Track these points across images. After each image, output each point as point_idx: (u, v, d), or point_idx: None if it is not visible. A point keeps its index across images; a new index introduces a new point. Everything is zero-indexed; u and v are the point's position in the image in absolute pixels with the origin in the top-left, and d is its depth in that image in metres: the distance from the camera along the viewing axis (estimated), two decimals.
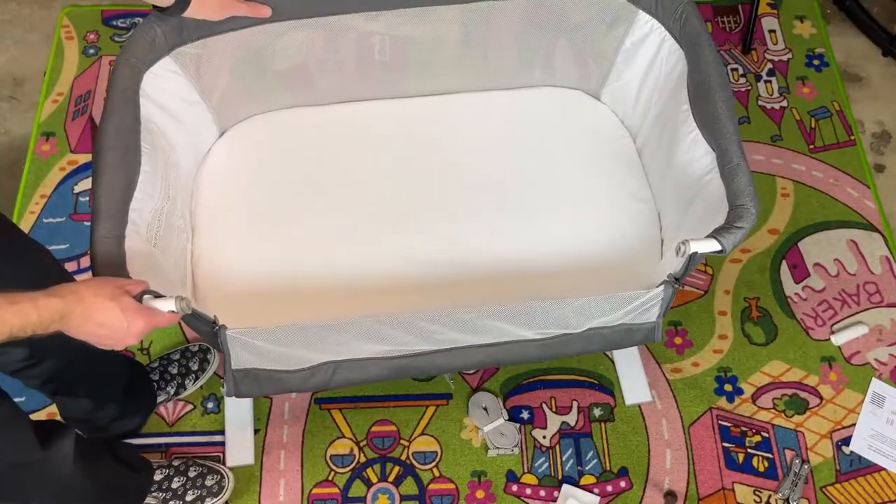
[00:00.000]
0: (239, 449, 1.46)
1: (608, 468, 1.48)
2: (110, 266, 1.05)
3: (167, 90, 1.31)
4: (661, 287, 1.15)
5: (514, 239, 1.41)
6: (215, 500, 1.38)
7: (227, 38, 1.31)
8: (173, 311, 0.98)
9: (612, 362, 1.57)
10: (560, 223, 1.43)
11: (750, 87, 1.91)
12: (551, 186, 1.47)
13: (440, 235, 1.41)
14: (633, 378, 1.54)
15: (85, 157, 1.77)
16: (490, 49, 1.46)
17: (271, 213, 1.44)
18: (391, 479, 1.47)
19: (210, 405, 1.52)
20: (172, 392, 1.49)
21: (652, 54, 1.39)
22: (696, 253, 1.06)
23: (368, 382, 1.24)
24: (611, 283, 1.30)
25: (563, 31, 1.43)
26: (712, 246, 1.05)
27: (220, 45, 1.32)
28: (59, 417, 1.49)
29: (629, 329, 1.24)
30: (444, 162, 1.49)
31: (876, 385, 1.57)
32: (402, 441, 1.50)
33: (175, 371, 1.49)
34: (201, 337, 1.52)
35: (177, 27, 1.26)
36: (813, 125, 1.87)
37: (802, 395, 1.56)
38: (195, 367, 1.51)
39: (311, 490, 1.45)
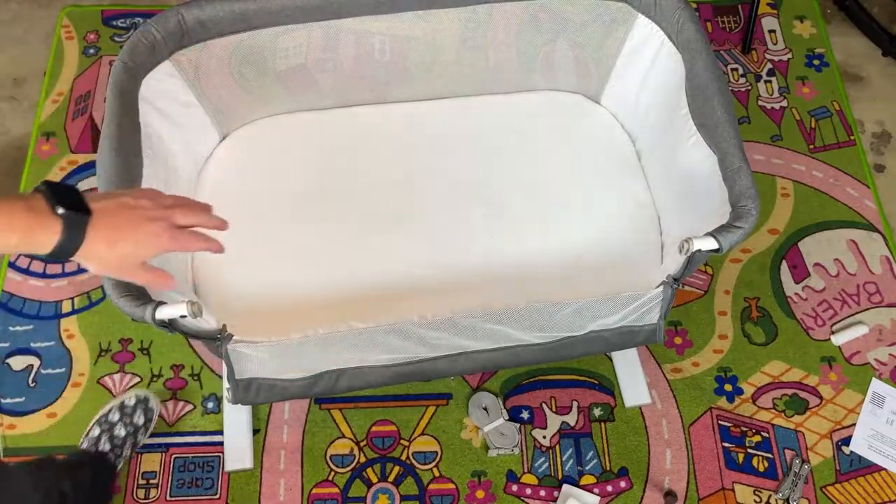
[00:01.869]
0: (237, 454, 1.46)
1: (608, 468, 1.48)
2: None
3: (166, 94, 1.30)
4: (661, 287, 1.16)
5: (514, 243, 1.41)
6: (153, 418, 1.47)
7: (226, 41, 1.31)
8: (184, 316, 0.98)
9: (612, 362, 1.57)
10: (560, 227, 1.43)
11: (750, 87, 1.91)
12: (551, 190, 1.47)
13: (440, 240, 1.41)
14: (633, 380, 1.54)
15: (85, 157, 1.77)
16: (490, 52, 1.46)
17: (271, 218, 1.43)
18: (391, 479, 1.47)
19: (210, 405, 1.52)
20: (129, 453, 1.44)
21: (651, 58, 1.39)
22: (698, 252, 1.06)
23: (372, 387, 1.24)
24: (611, 287, 1.29)
25: (563, 35, 1.43)
26: (710, 244, 1.05)
27: (219, 48, 1.32)
28: (56, 419, 1.49)
29: (630, 331, 1.24)
30: (444, 166, 1.49)
31: (876, 385, 1.58)
32: (402, 441, 1.50)
33: (123, 433, 1.43)
34: (203, 343, 1.51)
35: (176, 32, 1.26)
36: (813, 125, 1.87)
37: (802, 395, 1.56)
38: (141, 420, 1.46)
39: (311, 490, 1.45)
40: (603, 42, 1.43)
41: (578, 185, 1.48)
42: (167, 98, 1.31)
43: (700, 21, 1.30)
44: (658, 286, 1.16)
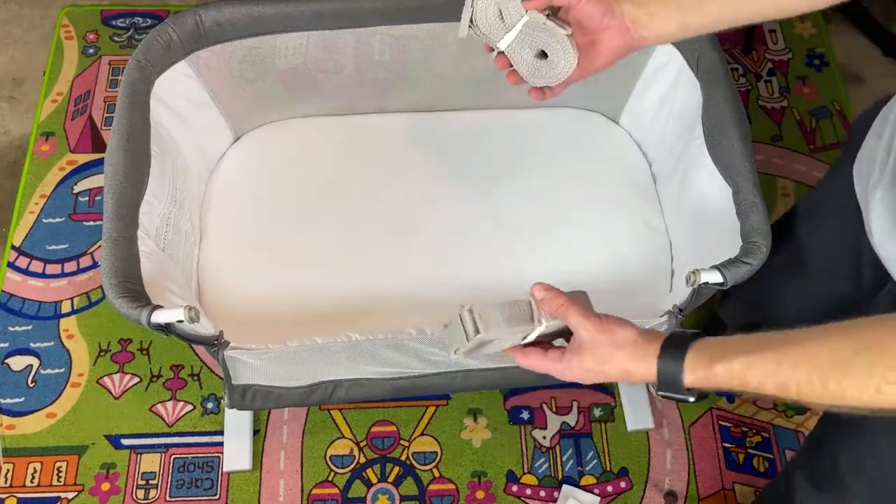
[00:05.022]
0: (237, 455, 1.45)
1: (608, 468, 1.48)
2: (122, 267, 1.04)
3: (180, 94, 1.30)
4: (665, 317, 1.14)
5: (519, 261, 1.38)
6: None
7: (236, 43, 1.31)
8: (181, 321, 0.97)
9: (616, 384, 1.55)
10: (569, 247, 1.40)
11: (750, 87, 1.91)
12: (562, 208, 1.44)
13: (444, 254, 1.39)
14: (636, 404, 1.51)
15: (84, 157, 1.77)
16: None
17: (279, 222, 1.42)
18: (391, 479, 1.47)
19: (210, 405, 1.52)
20: None
21: (670, 83, 1.36)
22: (704, 285, 1.05)
23: (369, 400, 1.22)
24: (618, 312, 1.27)
25: None
26: (716, 277, 1.04)
27: (228, 50, 1.32)
28: (56, 419, 1.49)
29: None
30: (454, 180, 1.47)
31: None
32: (402, 441, 1.50)
33: None
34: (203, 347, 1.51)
35: (194, 32, 1.26)
36: (813, 125, 1.86)
37: None
38: None
39: (310, 490, 1.45)
40: (624, 62, 1.39)
41: (591, 205, 1.45)
42: (181, 98, 1.31)
43: (721, 49, 1.25)
44: (663, 315, 1.15)
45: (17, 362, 1.55)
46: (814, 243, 1.09)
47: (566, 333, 0.79)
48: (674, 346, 0.71)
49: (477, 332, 0.75)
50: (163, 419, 1.51)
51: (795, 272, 1.13)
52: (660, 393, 0.72)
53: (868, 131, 0.90)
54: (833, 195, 1.02)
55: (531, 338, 0.80)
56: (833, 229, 1.03)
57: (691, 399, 0.70)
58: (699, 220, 1.29)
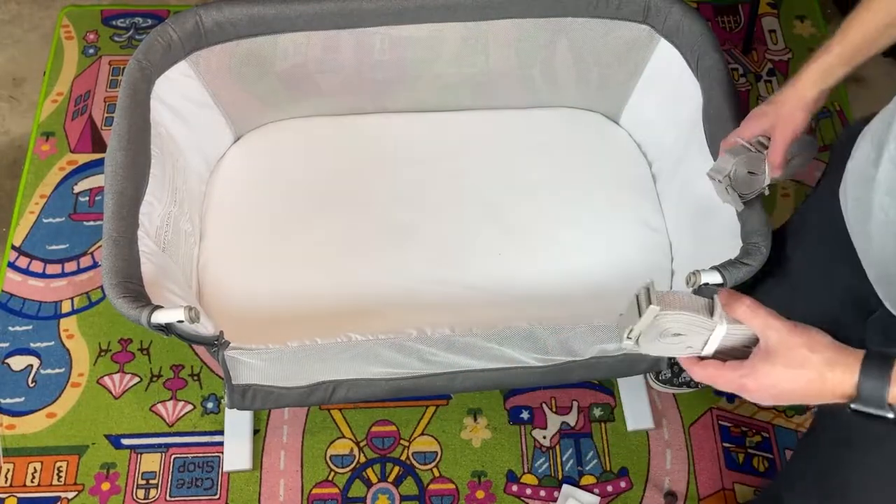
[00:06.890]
0: (237, 455, 1.46)
1: (608, 468, 1.48)
2: (122, 267, 1.04)
3: (181, 94, 1.30)
4: None
5: (520, 262, 1.39)
6: None
7: (236, 43, 1.31)
8: (181, 321, 0.97)
9: (616, 384, 1.55)
10: (569, 248, 1.40)
11: (750, 87, 1.91)
12: (563, 209, 1.44)
13: (445, 255, 1.39)
14: (636, 404, 1.51)
15: (84, 157, 1.77)
16: (509, 68, 1.44)
17: (279, 222, 1.42)
18: (391, 479, 1.47)
19: (210, 405, 1.52)
20: None
21: (670, 83, 1.36)
22: (704, 286, 1.05)
23: (368, 400, 1.22)
24: (617, 313, 1.27)
25: (585, 54, 1.40)
26: (716, 278, 1.04)
27: (229, 50, 1.32)
28: (56, 419, 1.49)
29: (633, 359, 1.22)
30: (455, 180, 1.47)
31: None
32: (402, 441, 1.50)
33: None
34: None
35: (194, 33, 1.26)
36: (813, 125, 1.86)
37: None
38: None
39: (310, 490, 1.45)
40: (624, 62, 1.41)
41: (591, 206, 1.45)
42: (182, 98, 1.31)
43: (721, 49, 1.26)
44: None
45: (17, 362, 1.55)
46: (799, 259, 1.10)
47: (745, 351, 0.73)
48: (879, 357, 0.64)
49: (649, 302, 0.69)
50: (163, 419, 1.51)
51: (783, 285, 1.13)
52: (853, 406, 0.64)
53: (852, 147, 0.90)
54: (815, 214, 1.04)
55: (710, 349, 0.73)
56: (815, 248, 1.04)
57: (890, 415, 0.64)
58: (699, 221, 1.29)
